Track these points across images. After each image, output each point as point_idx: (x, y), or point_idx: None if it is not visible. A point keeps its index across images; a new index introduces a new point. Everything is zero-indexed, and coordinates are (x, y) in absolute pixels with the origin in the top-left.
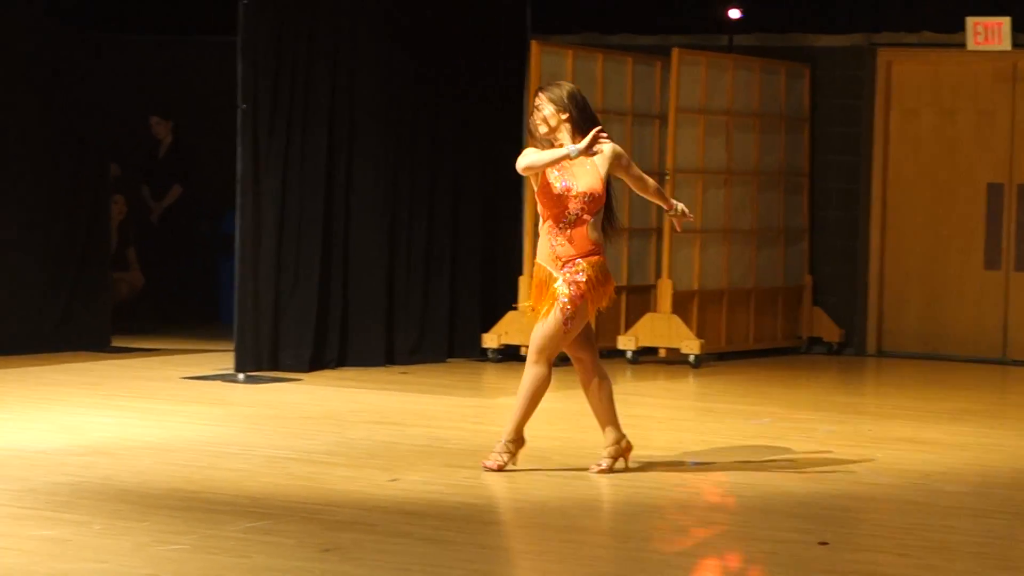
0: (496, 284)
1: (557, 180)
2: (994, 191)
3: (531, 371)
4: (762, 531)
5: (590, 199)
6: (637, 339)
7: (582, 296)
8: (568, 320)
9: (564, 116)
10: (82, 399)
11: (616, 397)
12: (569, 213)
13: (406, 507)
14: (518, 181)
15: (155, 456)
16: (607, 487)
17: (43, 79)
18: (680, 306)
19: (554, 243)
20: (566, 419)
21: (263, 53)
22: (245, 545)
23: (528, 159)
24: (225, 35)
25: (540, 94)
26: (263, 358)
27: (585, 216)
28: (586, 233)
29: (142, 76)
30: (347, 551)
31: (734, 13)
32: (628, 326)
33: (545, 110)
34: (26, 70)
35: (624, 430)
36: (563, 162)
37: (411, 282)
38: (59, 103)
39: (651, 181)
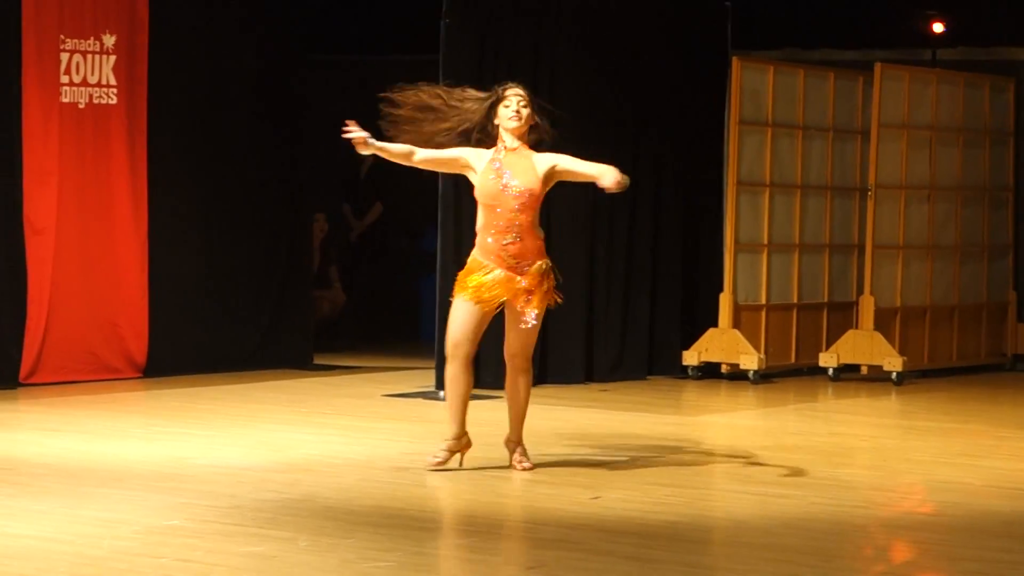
0: (696, 301)
1: (496, 177)
2: None
3: (527, 377)
4: (969, 551)
5: (529, 196)
6: (839, 356)
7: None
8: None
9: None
10: (285, 416)
11: (816, 415)
12: (509, 211)
13: (608, 525)
14: (718, 197)
15: (358, 473)
16: (809, 505)
17: (252, 98)
18: (882, 323)
19: (503, 241)
20: (768, 436)
21: (463, 72)
22: (451, 563)
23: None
24: (426, 54)
25: (522, 91)
26: None
27: (524, 216)
28: (535, 233)
29: (344, 95)
30: (552, 569)
31: (937, 27)
32: (829, 343)
33: (524, 109)
34: (237, 89)
35: (826, 447)
36: (500, 159)
37: (611, 298)
38: (278, 122)
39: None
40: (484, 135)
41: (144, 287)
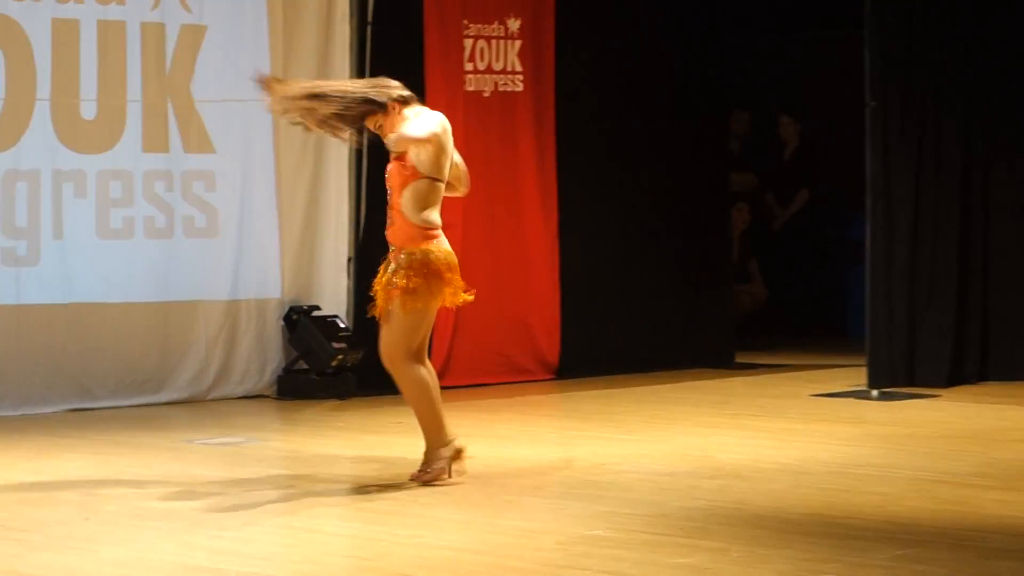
0: None
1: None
2: None
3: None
4: None
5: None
6: None
7: None
8: None
9: None
10: (708, 419)
11: None
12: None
13: None
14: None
15: (790, 479)
16: None
17: (666, 80)
18: None
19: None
20: None
21: (892, 44)
22: (895, 574)
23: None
24: (852, 28)
25: None
26: (898, 373)
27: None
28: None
29: (767, 75)
30: None
31: None
32: None
33: None
34: (650, 71)
35: None
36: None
37: None
38: (692, 107)
39: None
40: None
41: (555, 283)
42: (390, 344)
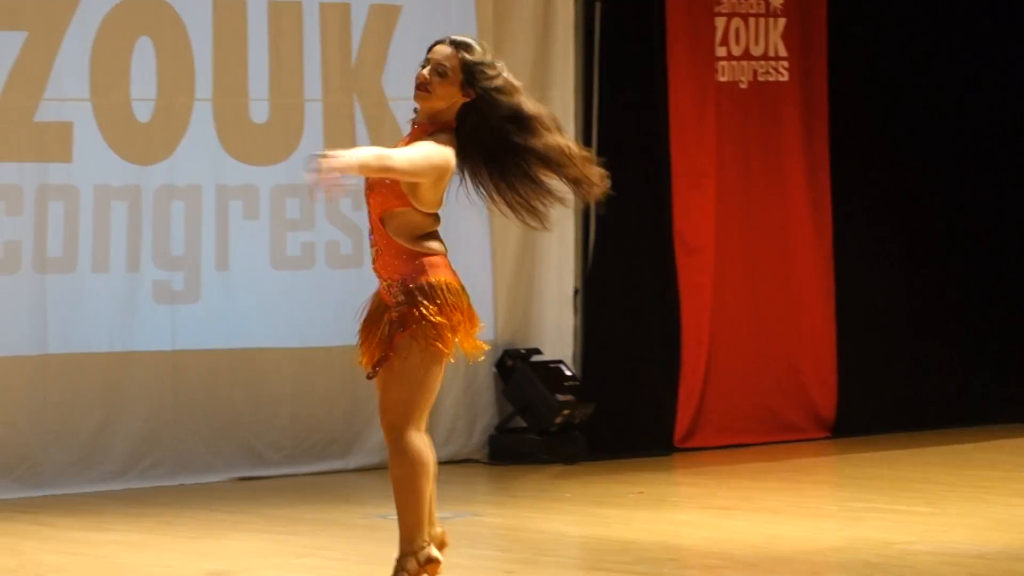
0: None
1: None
2: None
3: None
4: None
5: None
6: None
7: None
8: None
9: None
10: (1020, 486)
11: None
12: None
13: None
14: None
15: None
16: None
17: (962, 74)
18: None
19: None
20: None
21: None
22: None
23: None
24: None
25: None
26: None
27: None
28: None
29: None
30: None
31: None
32: None
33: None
34: (957, 65)
35: None
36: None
37: None
38: (995, 105)
39: None
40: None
41: (831, 318)
42: (400, 402)
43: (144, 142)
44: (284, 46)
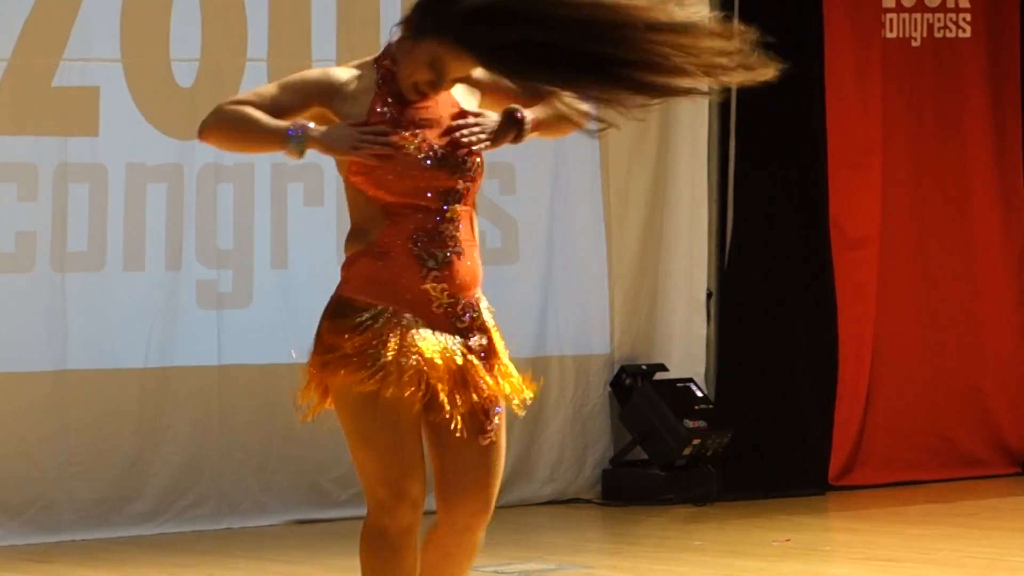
0: None
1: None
2: None
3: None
4: None
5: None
6: None
7: None
8: None
9: None
10: None
11: None
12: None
13: None
14: None
15: None
16: None
17: None
18: None
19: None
20: None
21: None
22: None
23: None
24: None
25: None
26: None
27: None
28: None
29: None
30: None
31: None
32: None
33: None
34: None
35: None
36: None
37: None
38: None
39: None
40: None
41: (1021, 330)
42: (496, 485)
43: (186, 111)
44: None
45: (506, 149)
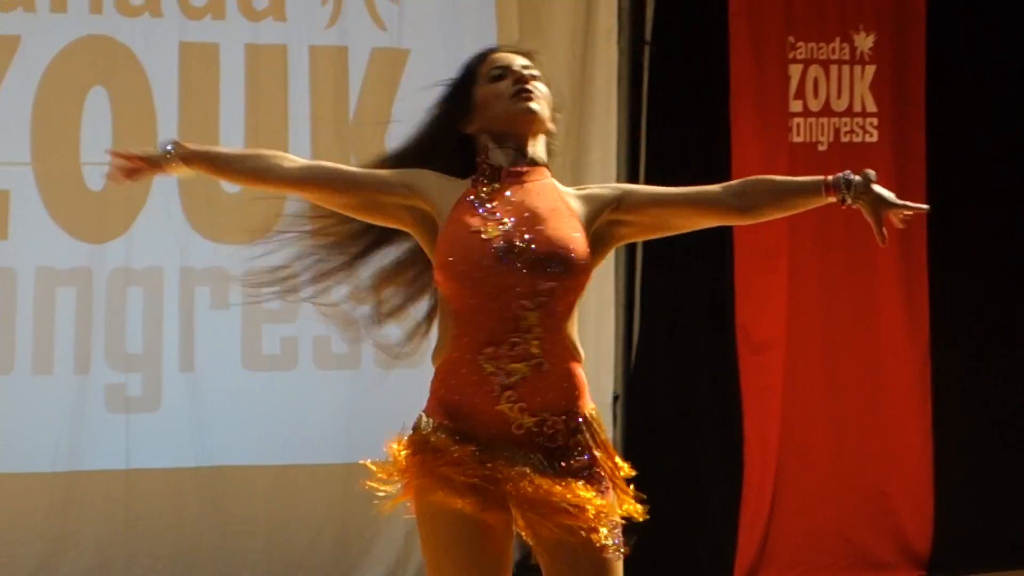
0: None
1: (482, 227)
2: None
3: None
4: None
5: (568, 265)
6: None
7: None
8: None
9: None
10: None
11: None
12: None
13: None
14: None
15: None
16: None
17: None
18: None
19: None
20: None
21: None
22: None
23: None
24: None
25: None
26: None
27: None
28: (571, 344)
29: None
30: None
31: None
32: None
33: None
34: None
35: None
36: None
37: None
38: None
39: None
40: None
41: (926, 430)
42: None
43: (97, 215)
44: (265, 97)
45: None
